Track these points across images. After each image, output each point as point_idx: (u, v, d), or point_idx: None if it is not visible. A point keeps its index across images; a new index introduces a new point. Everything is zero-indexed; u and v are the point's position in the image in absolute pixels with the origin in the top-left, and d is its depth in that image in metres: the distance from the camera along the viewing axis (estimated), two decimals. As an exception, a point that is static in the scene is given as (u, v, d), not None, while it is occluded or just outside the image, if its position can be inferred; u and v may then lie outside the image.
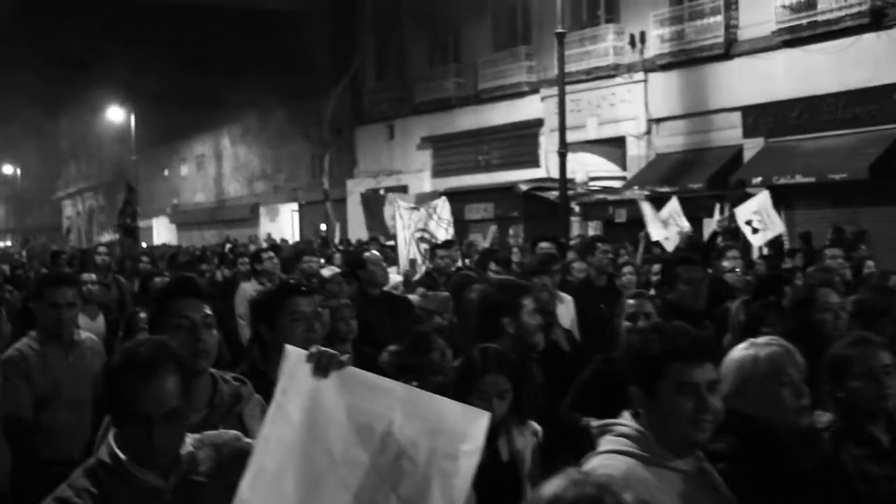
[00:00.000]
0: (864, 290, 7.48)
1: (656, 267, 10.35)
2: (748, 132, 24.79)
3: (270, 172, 49.34)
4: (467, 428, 3.15)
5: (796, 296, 5.96)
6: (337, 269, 10.87)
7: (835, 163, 21.94)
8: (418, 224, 13.04)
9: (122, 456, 3.08)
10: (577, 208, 26.97)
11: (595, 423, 3.54)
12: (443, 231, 13.03)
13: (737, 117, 25.07)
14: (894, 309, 5.95)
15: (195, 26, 48.81)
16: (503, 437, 4.51)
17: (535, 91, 31.24)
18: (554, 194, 25.39)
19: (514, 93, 32.07)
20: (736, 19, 25.05)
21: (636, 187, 25.92)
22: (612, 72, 28.24)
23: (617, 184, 28.01)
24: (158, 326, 3.95)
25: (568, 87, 24.27)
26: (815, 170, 22.11)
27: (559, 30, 23.32)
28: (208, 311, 4.00)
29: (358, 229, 36.65)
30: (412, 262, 12.56)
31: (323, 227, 39.90)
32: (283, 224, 47.12)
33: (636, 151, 28.01)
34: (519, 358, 5.23)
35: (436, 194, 25.76)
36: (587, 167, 29.03)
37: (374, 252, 10.23)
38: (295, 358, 3.11)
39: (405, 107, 37.30)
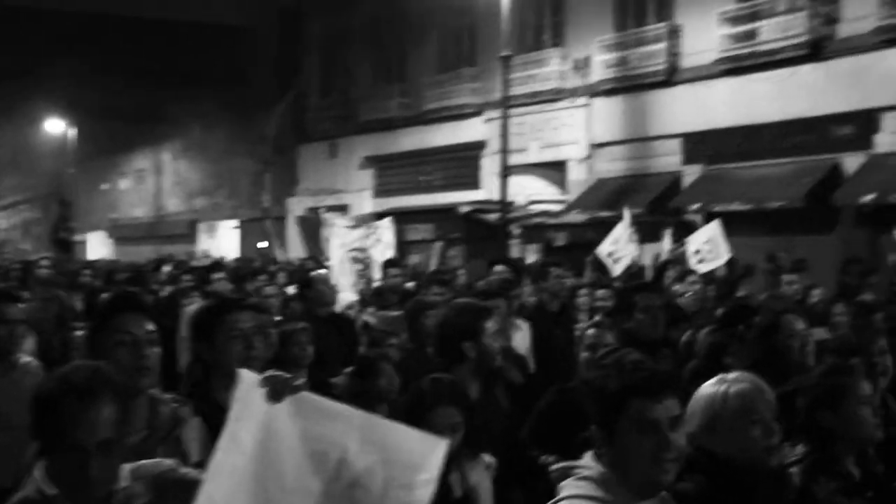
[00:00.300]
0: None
1: (602, 292, 10.14)
2: (688, 159, 25.01)
3: (211, 189, 48.94)
4: (424, 457, 3.07)
5: (761, 323, 5.86)
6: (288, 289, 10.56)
7: (772, 191, 22.18)
8: (354, 243, 12.92)
9: (49, 491, 2.87)
10: (516, 231, 27.03)
11: (555, 465, 3.36)
12: (379, 253, 12.92)
13: (677, 144, 25.29)
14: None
15: (138, 39, 48.44)
16: (456, 472, 4.33)
17: (478, 113, 31.31)
18: (495, 216, 25.44)
19: (458, 114, 32.13)
20: (679, 47, 25.31)
21: (576, 211, 26.05)
22: (555, 96, 28.40)
23: (557, 207, 28.10)
24: (99, 343, 3.84)
25: (511, 110, 24.39)
26: (753, 197, 22.33)
27: (504, 53, 23.42)
28: (151, 328, 3.89)
29: (297, 248, 36.49)
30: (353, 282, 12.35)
31: (263, 245, 39.67)
32: (223, 241, 46.72)
33: (577, 175, 28.13)
34: (483, 383, 5.25)
35: (376, 215, 25.71)
36: (528, 190, 29.07)
37: (322, 270, 10.11)
38: (248, 383, 2.99)
39: (348, 126, 37.20)
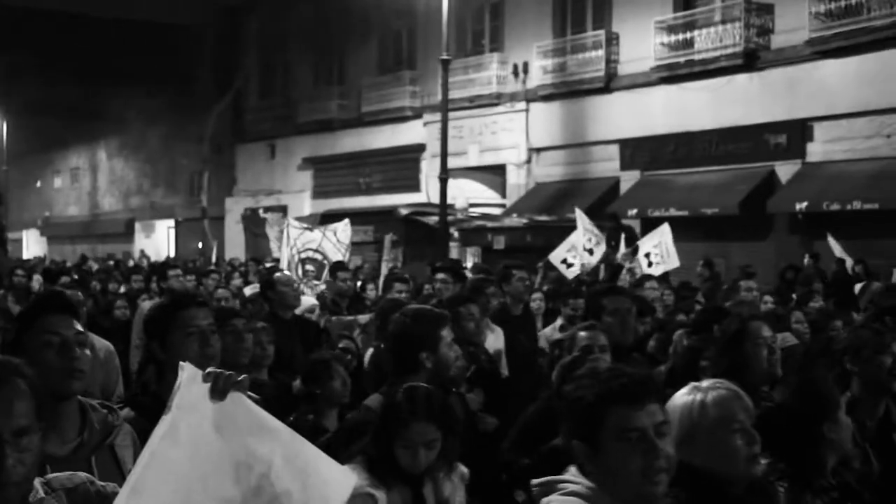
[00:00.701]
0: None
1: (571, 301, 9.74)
2: (625, 165, 25.30)
3: (147, 188, 48.51)
4: (336, 490, 3.03)
5: (727, 330, 5.57)
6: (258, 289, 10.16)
7: (707, 198, 22.51)
8: (308, 244, 12.80)
9: None
10: (456, 234, 27.09)
11: (536, 480, 3.14)
12: (339, 254, 12.84)
13: (615, 150, 25.57)
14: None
15: (76, 35, 47.78)
16: (429, 484, 4.12)
17: (418, 116, 31.39)
18: (434, 219, 25.46)
19: (397, 117, 32.17)
20: (617, 54, 25.58)
21: (515, 215, 26.19)
22: (494, 100, 28.55)
23: (496, 211, 28.26)
24: (25, 343, 3.61)
25: (451, 114, 24.44)
26: (689, 204, 22.65)
27: (444, 56, 23.49)
28: (80, 329, 3.69)
29: (235, 248, 36.30)
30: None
31: (199, 245, 39.40)
32: (159, 241, 46.36)
33: (516, 180, 28.32)
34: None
35: (316, 216, 25.65)
36: (467, 193, 29.22)
37: (286, 272, 9.57)
38: (190, 375, 2.92)
39: (287, 127, 37.09)
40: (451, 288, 9.97)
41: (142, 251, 40.01)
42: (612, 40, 25.60)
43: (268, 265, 18.27)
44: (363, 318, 9.60)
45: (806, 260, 19.41)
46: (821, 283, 14.83)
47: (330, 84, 35.76)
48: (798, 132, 21.82)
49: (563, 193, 26.41)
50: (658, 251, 15.10)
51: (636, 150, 25.00)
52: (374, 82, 33.25)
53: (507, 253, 24.60)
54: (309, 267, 12.41)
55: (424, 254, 23.21)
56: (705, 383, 3.65)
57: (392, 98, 32.36)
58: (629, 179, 25.12)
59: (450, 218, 24.94)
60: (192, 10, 41.14)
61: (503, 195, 29.09)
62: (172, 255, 40.55)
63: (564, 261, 15.85)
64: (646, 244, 15.39)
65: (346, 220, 13.70)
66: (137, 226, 48.66)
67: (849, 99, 20.84)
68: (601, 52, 25.60)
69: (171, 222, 46.10)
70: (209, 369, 2.94)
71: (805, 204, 20.83)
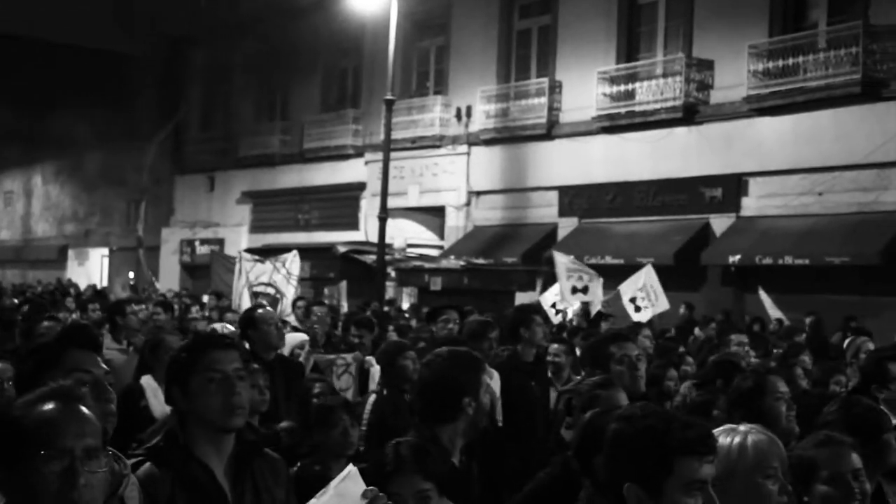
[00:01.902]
0: None
1: (554, 347, 9.32)
2: (563, 211, 25.55)
3: (83, 215, 47.96)
4: None
5: (744, 384, 5.33)
6: (230, 327, 9.61)
7: (643, 247, 22.79)
8: (260, 277, 12.62)
9: None
10: (393, 273, 27.15)
11: None
12: (291, 287, 12.68)
13: (553, 196, 25.82)
14: None
15: (15, 58, 47.34)
16: None
17: (359, 155, 31.48)
18: (371, 258, 25.52)
19: (339, 155, 32.21)
20: (559, 102, 25.90)
21: (453, 257, 26.34)
22: (436, 142, 28.73)
23: (434, 252, 28.39)
24: (47, 381, 3.11)
25: (392, 154, 24.58)
26: (625, 252, 22.90)
27: (388, 96, 23.65)
28: (106, 367, 3.46)
29: (170, 279, 35.99)
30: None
31: (131, 274, 39.04)
32: (92, 269, 45.79)
33: (455, 222, 28.47)
34: (467, 444, 4.64)
35: (253, 251, 25.57)
36: (406, 234, 29.33)
37: (268, 308, 8.85)
38: (352, 481, 2.85)
39: (228, 160, 36.97)
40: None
41: (69, 280, 39.44)
42: (555, 88, 25.93)
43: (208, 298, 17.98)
44: (347, 357, 9.19)
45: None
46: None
47: (272, 119, 35.77)
48: (733, 186, 22.23)
49: (502, 237, 26.60)
50: (644, 294, 14.78)
51: (575, 198, 25.27)
52: (317, 119, 33.31)
53: (444, 294, 24.79)
54: (262, 301, 12.00)
55: (361, 292, 23.23)
56: (743, 427, 3.59)
57: (334, 136, 32.42)
58: (567, 226, 25.37)
59: (388, 257, 25.04)
60: (138, 39, 41.05)
61: (441, 237, 29.23)
62: (105, 283, 40.11)
63: (553, 305, 15.48)
64: (628, 288, 15.01)
65: (295, 252, 13.52)
66: (71, 253, 48.03)
67: (783, 156, 21.30)
68: (544, 100, 25.91)
69: (106, 251, 45.57)
70: (368, 489, 2.80)
71: (738, 257, 21.19)
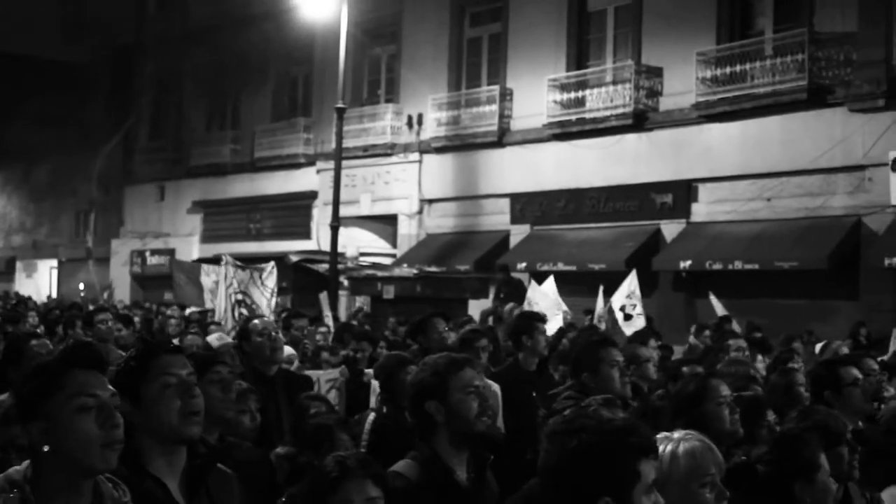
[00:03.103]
0: None
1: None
2: (515, 219, 25.63)
3: (30, 226, 47.39)
4: None
5: (684, 390, 5.24)
6: (228, 339, 9.07)
7: (595, 253, 22.92)
8: (241, 286, 12.32)
9: None
10: (345, 282, 27.08)
11: None
12: (265, 300, 12.38)
13: (505, 203, 25.89)
14: None
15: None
16: None
17: (311, 163, 31.41)
18: (324, 267, 25.42)
19: (290, 164, 32.12)
20: (510, 110, 26.00)
21: (405, 265, 26.31)
22: (388, 150, 28.71)
23: (387, 261, 28.33)
24: (51, 407, 3.00)
25: (344, 163, 24.51)
26: (577, 259, 23.03)
27: (339, 105, 23.60)
28: (112, 389, 3.16)
29: (121, 291, 35.67)
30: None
31: (81, 286, 38.62)
32: (41, 281, 45.27)
33: (407, 230, 28.47)
34: (473, 461, 4.26)
35: (206, 259, 25.43)
36: (358, 242, 29.29)
37: (264, 318, 8.20)
38: None
39: (178, 169, 36.74)
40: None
41: (16, 292, 38.92)
42: (505, 96, 26.03)
43: (191, 311, 17.33)
44: (332, 372, 8.68)
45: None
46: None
47: (223, 128, 35.62)
48: (683, 192, 22.42)
49: (454, 245, 26.64)
50: (632, 301, 14.53)
51: (526, 205, 25.37)
52: (268, 128, 33.20)
53: (397, 302, 24.75)
54: (243, 310, 11.63)
55: (314, 301, 23.13)
56: (677, 434, 3.53)
57: (286, 144, 32.32)
58: (519, 233, 25.45)
59: (340, 266, 24.95)
60: (86, 48, 40.63)
61: (394, 245, 29.21)
62: (55, 295, 39.64)
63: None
64: (618, 297, 14.72)
65: (273, 263, 13.18)
66: (19, 265, 47.45)
67: (732, 162, 21.52)
68: (495, 107, 26.00)
69: (55, 262, 45.08)
70: None
71: (689, 262, 21.37)
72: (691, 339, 16.08)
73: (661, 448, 3.35)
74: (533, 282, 16.34)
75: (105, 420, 3.01)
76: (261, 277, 12.48)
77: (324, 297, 19.26)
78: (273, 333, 7.35)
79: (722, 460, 3.49)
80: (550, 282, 15.92)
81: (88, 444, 2.94)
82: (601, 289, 16.29)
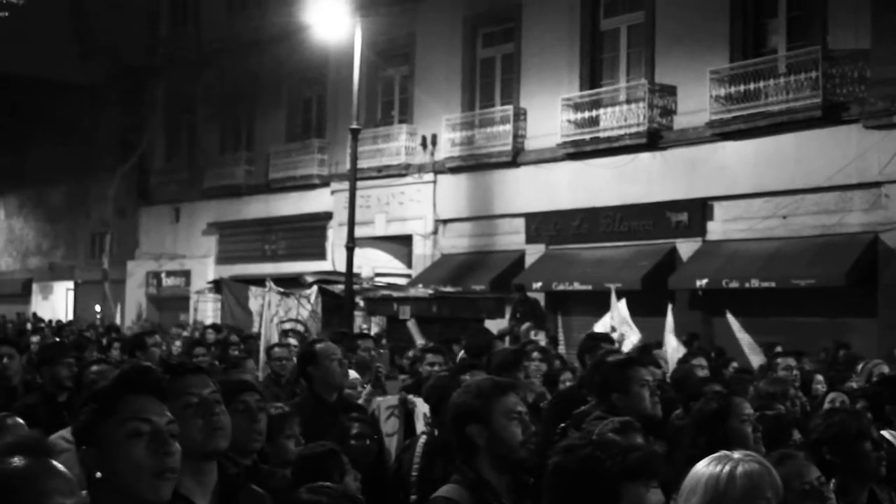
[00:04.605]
0: None
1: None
2: (530, 238, 25.62)
3: (47, 248, 47.59)
4: None
5: (707, 408, 5.21)
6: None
7: (610, 273, 22.87)
8: (289, 313, 12.16)
9: None
10: (361, 303, 27.11)
11: None
12: (315, 325, 12.26)
13: (520, 223, 25.89)
14: None
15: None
16: None
17: (325, 184, 31.47)
18: (339, 288, 25.47)
19: (305, 185, 32.19)
20: (524, 129, 26.02)
21: (421, 285, 26.32)
22: (402, 171, 28.76)
23: (402, 281, 28.34)
24: (104, 432, 2.94)
25: (359, 183, 24.58)
26: (592, 278, 22.98)
27: (354, 126, 23.68)
28: (170, 416, 3.09)
29: (133, 312, 35.75)
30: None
31: (98, 308, 38.74)
32: (57, 303, 45.43)
33: (422, 250, 28.49)
34: (513, 485, 4.20)
35: (224, 280, 25.52)
36: (373, 263, 29.31)
37: (329, 342, 7.67)
38: None
39: (193, 191, 36.84)
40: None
41: (34, 314, 39.09)
42: (519, 115, 26.06)
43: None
44: (391, 399, 8.12)
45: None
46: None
47: (237, 149, 35.70)
48: (699, 211, 22.38)
49: (469, 265, 26.64)
50: (621, 327, 14.66)
51: (541, 224, 25.36)
52: (283, 149, 33.29)
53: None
54: (291, 340, 11.19)
55: (329, 322, 23.15)
56: (737, 454, 3.48)
57: (300, 165, 32.39)
58: (534, 253, 25.44)
59: (355, 287, 25.00)
60: (99, 69, 40.82)
61: (409, 265, 29.23)
62: (71, 317, 39.79)
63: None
64: (601, 325, 14.80)
65: (316, 287, 13.04)
66: (35, 287, 47.63)
67: (747, 180, 21.48)
68: (509, 127, 26.02)
69: (71, 284, 45.24)
70: None
71: (705, 281, 21.33)
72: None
73: (717, 468, 3.37)
74: (613, 299, 16.03)
75: (158, 447, 2.93)
76: (309, 302, 12.35)
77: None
78: (342, 358, 7.15)
79: (780, 484, 3.44)
80: (622, 302, 15.70)
81: (138, 472, 2.87)
82: (613, 298, 16.29)
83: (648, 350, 13.44)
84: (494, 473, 4.06)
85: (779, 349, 14.86)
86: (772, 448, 5.00)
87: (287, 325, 11.75)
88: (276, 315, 11.71)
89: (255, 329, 15.46)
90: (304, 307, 12.08)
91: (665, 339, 15.30)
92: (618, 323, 15.00)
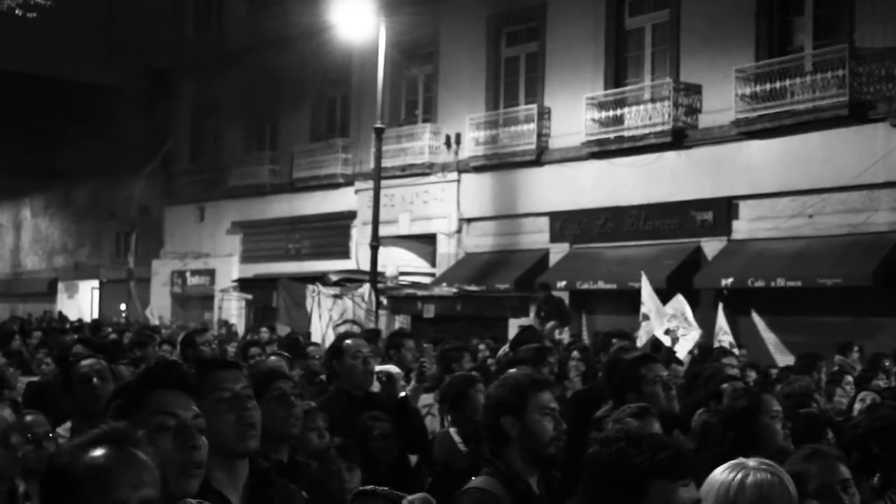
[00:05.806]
0: None
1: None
2: (555, 237, 25.59)
3: (72, 247, 47.89)
4: None
5: (736, 405, 5.20)
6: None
7: (635, 271, 22.74)
8: (344, 314, 12.08)
9: None
10: (385, 301, 27.19)
11: None
12: (371, 321, 12.20)
13: (544, 222, 25.86)
14: None
15: (2, 91, 47.38)
16: None
17: (349, 183, 31.52)
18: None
19: (329, 184, 32.25)
20: (548, 128, 25.98)
21: (445, 284, 26.36)
22: (426, 170, 28.77)
23: (426, 280, 28.39)
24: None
25: (382, 182, 24.65)
26: (616, 277, 22.93)
27: (377, 125, 23.71)
28: (198, 410, 3.10)
29: (160, 311, 35.91)
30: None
31: (123, 307, 38.96)
32: (83, 301, 45.69)
33: (446, 249, 28.49)
34: (543, 479, 4.31)
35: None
36: (397, 262, 29.36)
37: (358, 339, 7.52)
38: None
39: (217, 190, 36.96)
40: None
41: (59, 312, 39.34)
42: (543, 114, 26.03)
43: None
44: (427, 397, 8.09)
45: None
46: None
47: (262, 149, 35.82)
48: (724, 210, 22.29)
49: (493, 264, 26.63)
50: (678, 322, 14.38)
51: (566, 223, 25.32)
52: (307, 149, 33.36)
53: (437, 321, 24.81)
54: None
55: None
56: (752, 462, 3.46)
57: (324, 165, 32.46)
58: (558, 252, 25.41)
59: (380, 285, 25.05)
60: (124, 70, 41.09)
61: (433, 264, 29.24)
62: (97, 316, 39.99)
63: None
64: (657, 320, 14.58)
65: (367, 285, 12.97)
66: (60, 286, 47.93)
67: (772, 179, 21.38)
68: (533, 126, 25.99)
69: (96, 283, 45.49)
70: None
71: (730, 280, 21.23)
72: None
73: (729, 475, 3.37)
74: (679, 296, 15.79)
75: (184, 441, 2.94)
76: (363, 300, 12.31)
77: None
78: (367, 356, 7.07)
79: (794, 494, 3.41)
80: (678, 299, 15.43)
81: (165, 466, 2.72)
82: (646, 287, 16.07)
83: (659, 346, 13.39)
84: (524, 466, 4.17)
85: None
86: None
87: (342, 328, 11.57)
88: (330, 319, 11.58)
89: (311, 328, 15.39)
90: (360, 306, 12.01)
91: (718, 339, 14.97)
92: (654, 315, 14.61)
